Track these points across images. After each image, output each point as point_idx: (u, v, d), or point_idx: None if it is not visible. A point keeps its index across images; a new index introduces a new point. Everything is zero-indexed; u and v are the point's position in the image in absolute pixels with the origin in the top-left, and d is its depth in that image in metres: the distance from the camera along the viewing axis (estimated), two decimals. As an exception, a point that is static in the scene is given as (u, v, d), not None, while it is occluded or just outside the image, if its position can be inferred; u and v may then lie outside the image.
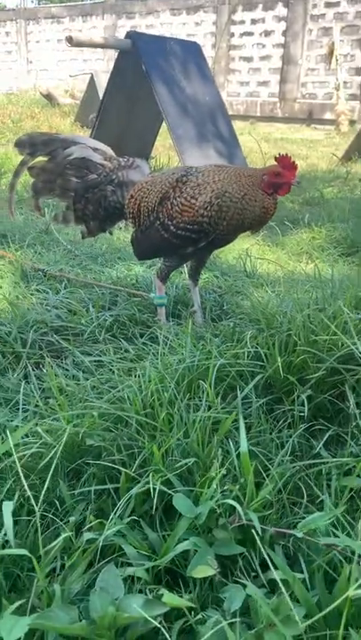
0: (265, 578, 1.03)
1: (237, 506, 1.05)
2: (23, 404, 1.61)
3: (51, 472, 1.24)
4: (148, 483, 1.18)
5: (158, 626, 0.85)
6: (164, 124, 5.76)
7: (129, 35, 4.83)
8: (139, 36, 4.93)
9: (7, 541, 1.04)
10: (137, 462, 1.26)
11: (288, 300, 2.16)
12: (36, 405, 1.59)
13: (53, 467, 1.24)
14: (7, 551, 0.99)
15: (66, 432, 1.31)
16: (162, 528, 1.16)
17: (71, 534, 1.11)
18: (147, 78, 4.66)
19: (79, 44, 4.81)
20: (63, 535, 1.07)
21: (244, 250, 3.18)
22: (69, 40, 4.50)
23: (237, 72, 16.82)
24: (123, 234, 3.46)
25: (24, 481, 1.13)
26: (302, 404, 1.46)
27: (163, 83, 4.77)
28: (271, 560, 0.97)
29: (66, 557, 1.09)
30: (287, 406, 1.48)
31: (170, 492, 1.15)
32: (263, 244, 3.60)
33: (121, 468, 1.21)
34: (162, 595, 0.93)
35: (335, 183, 6.43)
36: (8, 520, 1.06)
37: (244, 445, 1.21)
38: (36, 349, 1.95)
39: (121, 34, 18.52)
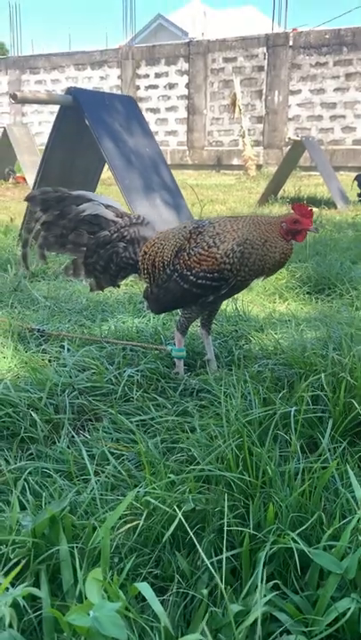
0: None
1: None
2: (81, 473, 1.52)
3: (165, 545, 1.18)
4: (275, 543, 1.15)
5: None
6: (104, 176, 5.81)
7: (69, 91, 4.87)
8: (79, 91, 4.98)
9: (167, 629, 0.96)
10: (251, 524, 1.22)
11: (301, 340, 2.21)
12: (99, 473, 1.51)
13: (166, 539, 1.18)
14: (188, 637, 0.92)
15: (166, 501, 1.26)
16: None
17: (216, 609, 1.05)
18: (92, 132, 4.70)
19: (24, 100, 4.79)
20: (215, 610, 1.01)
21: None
22: (14, 97, 4.47)
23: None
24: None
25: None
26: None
27: (107, 136, 4.83)
28: None
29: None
30: (365, 447, 1.51)
31: (306, 549, 1.12)
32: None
33: (245, 530, 1.17)
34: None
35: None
36: (157, 606, 0.99)
37: (359, 492, 1.21)
38: (69, 414, 1.86)
39: (26, 88, 18.65)
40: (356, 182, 7.58)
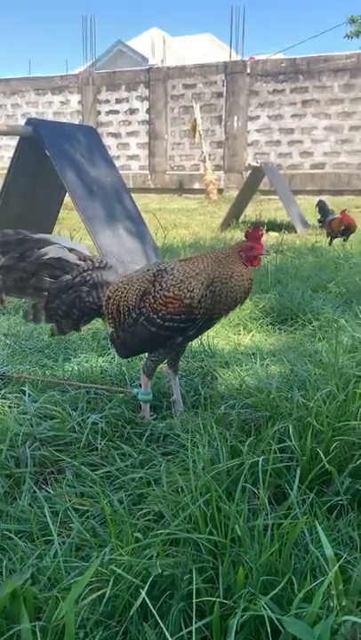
0: None
1: (363, 621, 1.03)
2: (43, 533, 1.46)
3: (133, 615, 1.13)
4: (246, 610, 1.12)
5: None
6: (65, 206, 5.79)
7: (29, 121, 4.85)
8: (39, 122, 4.96)
9: None
10: (221, 588, 1.19)
11: (266, 377, 2.21)
12: (62, 532, 1.45)
13: (134, 609, 1.14)
14: None
15: (133, 567, 1.21)
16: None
17: None
18: (53, 163, 4.67)
19: (-18, 132, 4.75)
20: None
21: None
22: (-28, 128, 4.42)
23: (107, 147, 17.43)
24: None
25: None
26: (345, 494, 1.48)
27: (69, 167, 4.81)
28: None
29: None
30: (333, 498, 1.50)
31: (278, 618, 1.09)
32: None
33: (215, 599, 1.13)
34: None
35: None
36: None
37: (329, 551, 1.19)
38: (30, 467, 1.79)
39: (-14, 112, 18.53)
40: (317, 208, 7.74)
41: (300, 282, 4.62)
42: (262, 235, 2.07)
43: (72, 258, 2.05)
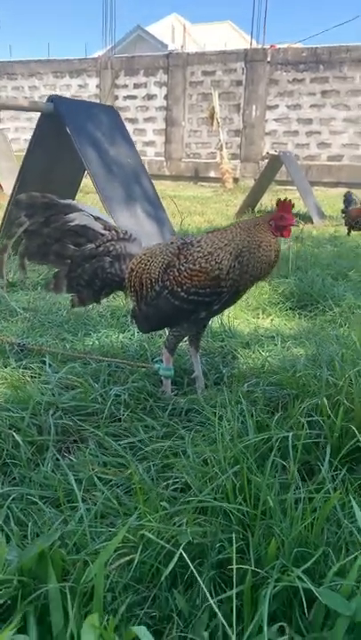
0: None
1: None
2: (67, 499, 1.44)
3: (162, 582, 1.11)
4: (278, 581, 1.09)
5: None
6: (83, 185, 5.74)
7: (51, 98, 4.80)
8: (61, 99, 4.91)
9: None
10: (252, 559, 1.16)
11: (290, 358, 2.17)
12: (87, 499, 1.43)
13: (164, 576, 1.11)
14: None
15: (162, 534, 1.19)
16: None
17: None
18: (73, 140, 4.62)
19: (4, 107, 4.71)
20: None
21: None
22: (-6, 102, 4.38)
23: (123, 132, 17.34)
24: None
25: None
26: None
27: (89, 145, 4.76)
28: None
29: None
30: (364, 474, 1.46)
31: (314, 589, 1.06)
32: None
33: (247, 567, 1.10)
34: None
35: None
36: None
37: (364, 525, 1.16)
38: (53, 435, 1.77)
39: (3, 94, 18.47)
40: (344, 198, 7.58)
41: (320, 269, 4.56)
42: (293, 205, 2.02)
43: (97, 226, 2.02)
